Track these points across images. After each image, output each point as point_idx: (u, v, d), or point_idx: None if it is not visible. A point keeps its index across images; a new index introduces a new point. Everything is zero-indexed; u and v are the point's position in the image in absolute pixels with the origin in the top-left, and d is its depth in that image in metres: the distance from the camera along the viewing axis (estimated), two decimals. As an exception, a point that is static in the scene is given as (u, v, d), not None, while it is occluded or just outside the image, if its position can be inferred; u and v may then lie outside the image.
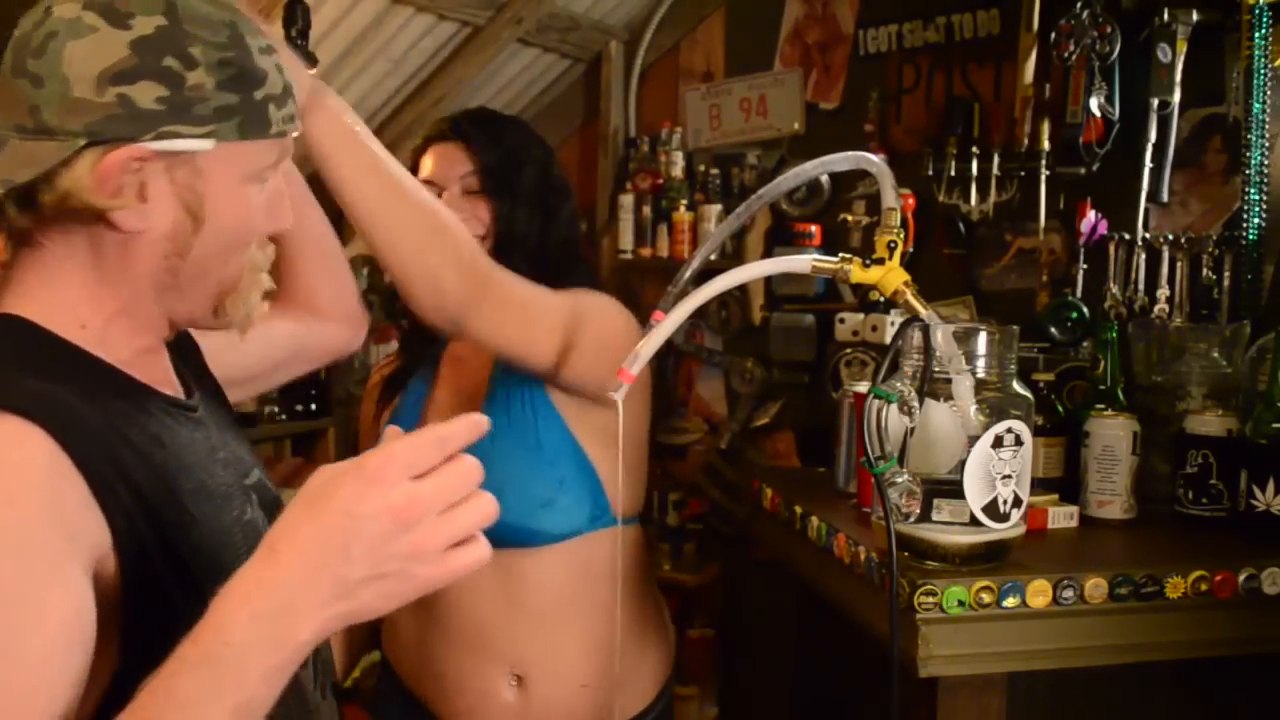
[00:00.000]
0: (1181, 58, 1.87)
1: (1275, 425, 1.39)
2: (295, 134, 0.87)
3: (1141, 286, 1.90)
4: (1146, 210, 1.92)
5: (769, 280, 2.57)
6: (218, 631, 0.65)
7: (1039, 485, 1.41)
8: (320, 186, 1.18)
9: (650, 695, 1.55)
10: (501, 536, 1.39)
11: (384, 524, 0.65)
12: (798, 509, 1.49)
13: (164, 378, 0.90)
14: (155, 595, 0.76)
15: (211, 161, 0.81)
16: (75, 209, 0.78)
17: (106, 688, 0.74)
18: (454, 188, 1.49)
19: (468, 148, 1.51)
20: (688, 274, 1.23)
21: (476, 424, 0.69)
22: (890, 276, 1.15)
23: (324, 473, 0.68)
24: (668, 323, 1.14)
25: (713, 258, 1.26)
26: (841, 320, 2.28)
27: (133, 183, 0.78)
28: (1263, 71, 1.74)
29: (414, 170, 1.50)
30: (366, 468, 0.66)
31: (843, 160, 1.21)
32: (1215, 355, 1.60)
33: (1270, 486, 1.35)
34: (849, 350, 2.31)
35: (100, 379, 0.81)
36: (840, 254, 1.18)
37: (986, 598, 1.15)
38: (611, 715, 1.47)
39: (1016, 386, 1.20)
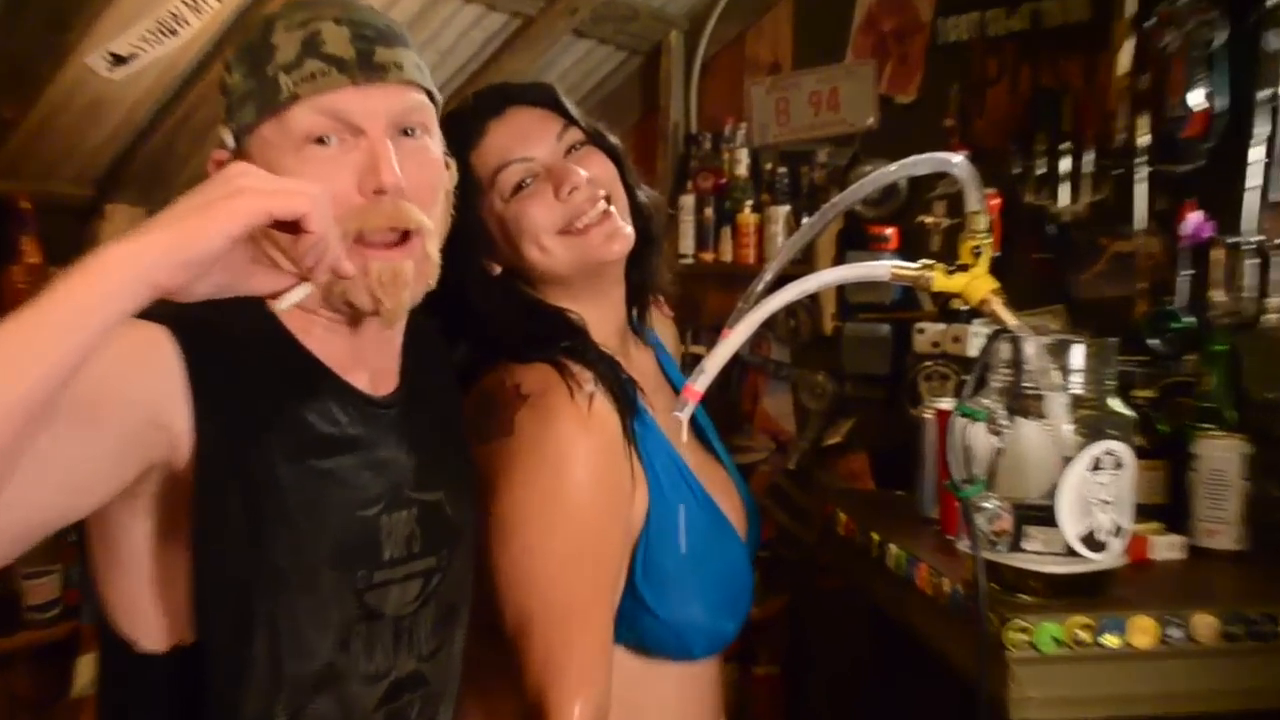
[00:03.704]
0: (1293, 44, 1.80)
1: None
2: (338, 89, 0.88)
3: (1251, 293, 1.81)
4: (1256, 210, 1.83)
5: (841, 287, 2.52)
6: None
7: (1139, 512, 1.35)
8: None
9: None
10: None
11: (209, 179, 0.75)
12: (875, 536, 1.47)
13: (361, 366, 0.96)
14: (222, 520, 0.84)
15: (258, 144, 0.89)
16: None
17: (183, 594, 0.85)
18: (550, 149, 1.19)
19: (546, 108, 1.22)
20: (759, 288, 1.20)
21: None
22: (976, 284, 1.13)
23: None
24: (734, 337, 1.13)
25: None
26: (920, 331, 2.24)
27: None
28: (1385, 57, 1.63)
29: (466, 157, 1.17)
30: None
31: (923, 163, 1.20)
32: (1337, 369, 1.53)
33: (1405, 515, 1.29)
34: (928, 363, 2.26)
35: (277, 346, 0.91)
36: (921, 260, 1.16)
37: (1084, 635, 1.12)
38: None
39: (1115, 404, 1.16)
